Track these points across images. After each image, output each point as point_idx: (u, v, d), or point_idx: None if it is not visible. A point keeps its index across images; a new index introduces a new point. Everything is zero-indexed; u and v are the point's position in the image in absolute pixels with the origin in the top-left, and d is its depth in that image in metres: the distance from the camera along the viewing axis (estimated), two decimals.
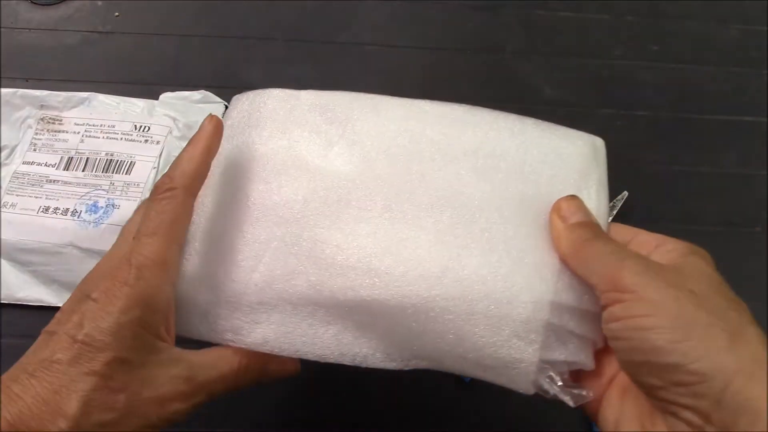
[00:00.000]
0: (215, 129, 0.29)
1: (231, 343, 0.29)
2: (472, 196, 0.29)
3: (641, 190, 0.48)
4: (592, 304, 0.27)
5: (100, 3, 0.55)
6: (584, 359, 0.27)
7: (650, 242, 0.27)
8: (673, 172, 0.51)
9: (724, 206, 0.49)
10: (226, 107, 0.48)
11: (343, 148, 0.31)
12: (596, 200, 0.30)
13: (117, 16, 0.54)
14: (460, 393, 0.41)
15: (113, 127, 0.48)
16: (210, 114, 0.30)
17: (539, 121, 0.32)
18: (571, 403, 0.27)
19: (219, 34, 0.54)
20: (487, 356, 0.27)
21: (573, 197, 0.28)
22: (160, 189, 0.27)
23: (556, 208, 0.28)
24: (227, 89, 0.49)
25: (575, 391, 0.27)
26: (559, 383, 0.27)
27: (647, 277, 0.23)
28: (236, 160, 0.31)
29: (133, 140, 0.47)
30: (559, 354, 0.27)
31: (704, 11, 0.58)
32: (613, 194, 0.39)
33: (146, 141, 0.47)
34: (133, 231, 0.27)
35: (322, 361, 0.29)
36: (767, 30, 0.57)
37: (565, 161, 0.31)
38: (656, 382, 0.22)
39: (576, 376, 0.28)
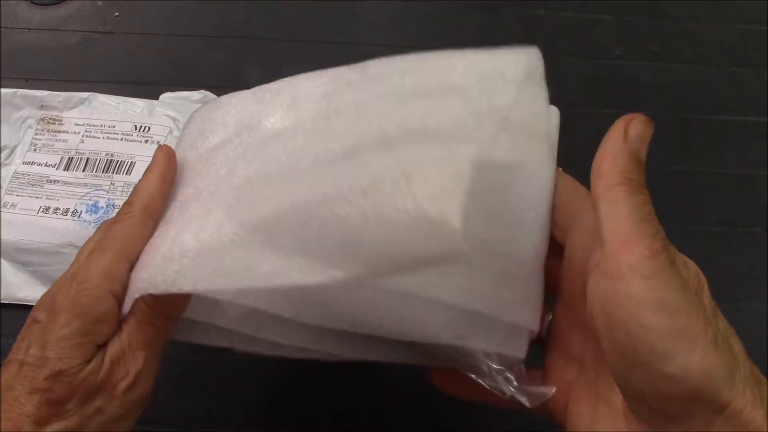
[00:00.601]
0: (166, 157, 0.30)
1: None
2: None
3: None
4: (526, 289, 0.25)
5: (100, 3, 0.55)
6: (514, 350, 0.25)
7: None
8: (673, 172, 0.51)
9: (724, 206, 0.49)
10: None
11: (277, 117, 0.30)
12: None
13: (117, 16, 0.54)
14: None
15: (113, 127, 0.48)
16: (160, 145, 0.31)
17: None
18: (527, 404, 0.26)
19: (219, 34, 0.54)
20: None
21: (649, 121, 0.23)
22: (119, 212, 0.28)
23: (626, 121, 0.23)
24: (227, 89, 0.49)
25: (532, 390, 0.25)
26: (515, 383, 0.26)
27: (664, 270, 0.20)
28: (182, 162, 0.32)
29: (134, 140, 0.47)
30: (486, 344, 0.25)
31: (704, 11, 0.58)
32: None
33: (146, 141, 0.47)
34: (87, 251, 0.28)
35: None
36: (767, 30, 0.57)
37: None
38: (647, 389, 0.20)
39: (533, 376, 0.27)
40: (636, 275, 0.20)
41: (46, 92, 0.49)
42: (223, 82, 0.51)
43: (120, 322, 0.26)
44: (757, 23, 0.58)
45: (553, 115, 0.30)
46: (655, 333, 0.19)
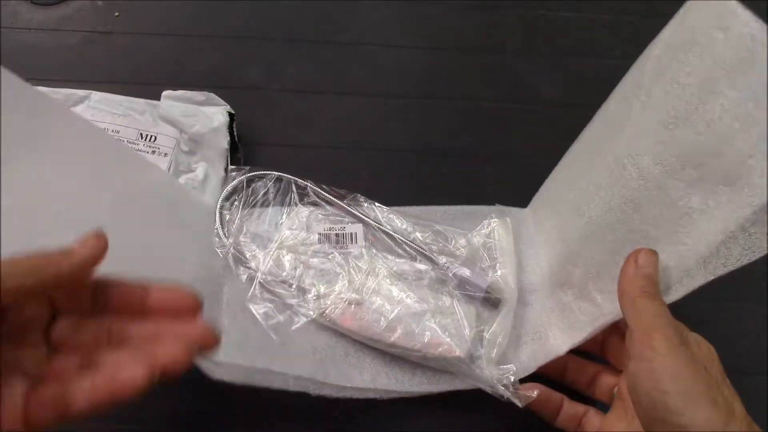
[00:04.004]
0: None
1: None
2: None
3: None
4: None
5: (100, 3, 0.55)
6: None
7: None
8: None
9: None
10: (230, 114, 0.47)
11: None
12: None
13: (117, 16, 0.54)
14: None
15: (118, 132, 0.47)
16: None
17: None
18: (519, 404, 0.37)
19: (219, 34, 0.54)
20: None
21: (653, 252, 0.32)
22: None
23: (635, 254, 0.32)
24: (227, 89, 0.49)
25: (523, 393, 0.37)
26: (511, 389, 0.38)
27: (676, 349, 0.28)
28: None
29: (140, 150, 0.47)
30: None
31: None
32: None
33: (154, 152, 0.47)
34: None
35: None
36: (767, 30, 0.57)
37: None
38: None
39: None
40: (655, 354, 0.28)
41: (45, 88, 0.49)
42: (223, 82, 0.51)
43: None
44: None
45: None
46: (669, 395, 0.27)
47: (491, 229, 0.45)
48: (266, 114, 0.51)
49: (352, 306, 0.40)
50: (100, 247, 0.26)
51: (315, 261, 0.42)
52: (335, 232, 0.44)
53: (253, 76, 0.53)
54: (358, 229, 0.44)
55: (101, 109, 0.49)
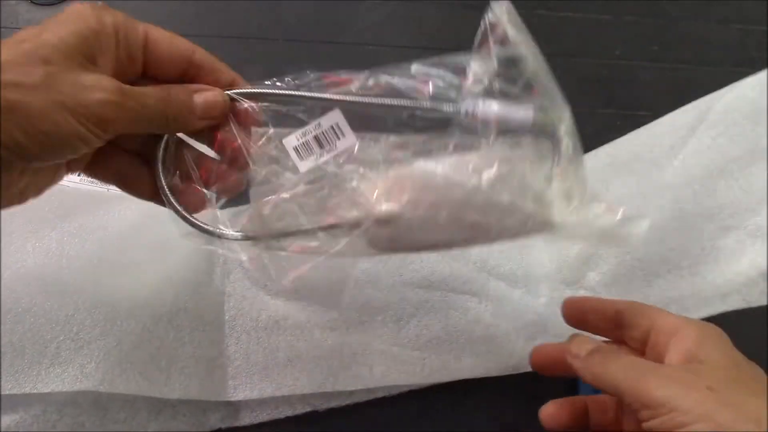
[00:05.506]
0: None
1: None
2: None
3: None
4: None
5: (99, 3, 0.55)
6: None
7: (666, 331, 0.30)
8: None
9: None
10: None
11: None
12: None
13: None
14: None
15: None
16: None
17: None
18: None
19: (219, 34, 0.54)
20: None
21: (574, 337, 0.32)
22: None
23: (567, 352, 0.31)
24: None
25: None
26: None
27: (673, 389, 0.26)
28: None
29: None
30: None
31: (704, 11, 0.58)
32: None
33: None
34: None
35: None
36: (767, 30, 0.57)
37: None
38: None
39: None
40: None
41: None
42: None
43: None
44: (757, 23, 0.58)
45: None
46: None
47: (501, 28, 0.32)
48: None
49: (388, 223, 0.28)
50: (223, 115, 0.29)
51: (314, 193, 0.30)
52: (311, 135, 0.31)
53: (253, 77, 0.52)
54: (335, 116, 0.31)
55: None
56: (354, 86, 0.30)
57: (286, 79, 0.31)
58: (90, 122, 0.24)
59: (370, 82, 0.30)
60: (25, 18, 0.54)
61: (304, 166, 0.30)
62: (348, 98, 0.30)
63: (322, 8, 0.56)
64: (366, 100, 0.30)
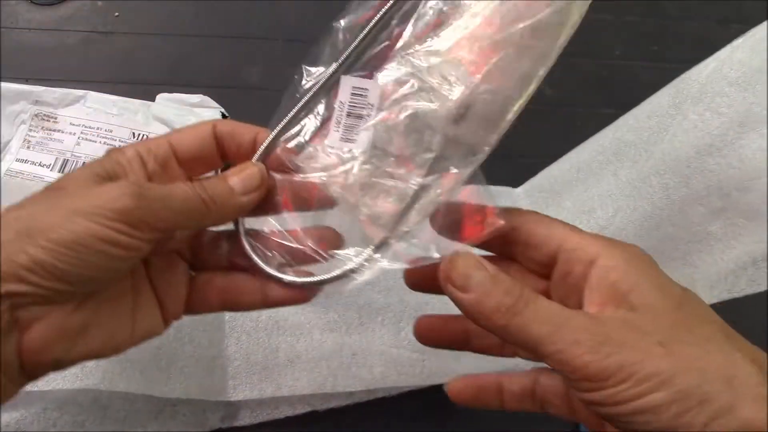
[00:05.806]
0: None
1: None
2: None
3: None
4: None
5: (100, 3, 0.55)
6: None
7: (582, 258, 0.23)
8: None
9: None
10: (223, 114, 0.47)
11: None
12: None
13: (117, 16, 0.54)
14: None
15: (111, 131, 0.48)
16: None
17: None
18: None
19: (219, 34, 0.54)
20: None
21: (456, 256, 0.23)
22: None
23: (446, 278, 0.22)
24: (227, 89, 0.49)
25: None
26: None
27: (623, 353, 0.20)
28: None
29: None
30: None
31: (704, 11, 0.58)
32: None
33: None
34: None
35: None
36: (767, 30, 0.57)
37: None
38: None
39: None
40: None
41: (41, 87, 0.49)
42: (223, 83, 0.51)
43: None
44: (757, 23, 0.58)
45: None
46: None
47: None
48: (266, 115, 0.51)
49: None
50: (262, 195, 0.26)
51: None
52: (343, 115, 0.28)
53: (253, 76, 0.53)
54: (346, 85, 0.28)
55: (96, 108, 0.49)
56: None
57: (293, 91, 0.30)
58: (109, 221, 0.21)
59: None
60: (25, 18, 0.54)
61: (360, 143, 0.27)
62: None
63: (322, 8, 0.56)
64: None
